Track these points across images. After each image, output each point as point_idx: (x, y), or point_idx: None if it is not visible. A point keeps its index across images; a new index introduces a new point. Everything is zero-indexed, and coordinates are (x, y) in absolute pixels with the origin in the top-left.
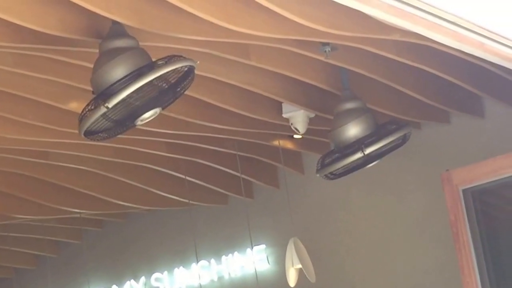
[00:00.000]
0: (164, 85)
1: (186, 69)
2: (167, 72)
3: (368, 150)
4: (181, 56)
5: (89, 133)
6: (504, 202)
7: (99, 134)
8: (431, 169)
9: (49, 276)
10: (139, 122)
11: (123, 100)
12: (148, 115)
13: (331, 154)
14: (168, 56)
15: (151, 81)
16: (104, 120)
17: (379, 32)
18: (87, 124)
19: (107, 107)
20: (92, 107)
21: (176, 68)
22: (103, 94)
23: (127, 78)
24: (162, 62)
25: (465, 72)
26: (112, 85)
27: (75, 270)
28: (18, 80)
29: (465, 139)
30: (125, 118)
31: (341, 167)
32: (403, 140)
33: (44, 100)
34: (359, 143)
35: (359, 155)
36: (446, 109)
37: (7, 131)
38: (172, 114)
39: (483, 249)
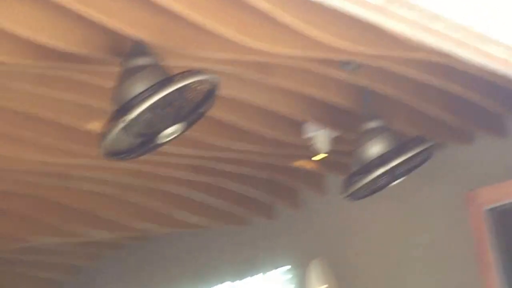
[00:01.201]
0: (184, 104)
1: (207, 88)
2: (188, 85)
3: (390, 165)
4: (201, 71)
5: (112, 154)
6: None
7: (122, 155)
8: (454, 190)
9: None
10: (161, 139)
11: (142, 114)
12: (170, 131)
13: (354, 174)
14: (188, 70)
15: (171, 98)
16: (123, 136)
17: (403, 51)
18: (107, 141)
19: (125, 121)
20: (111, 123)
21: (196, 80)
22: (121, 109)
23: (146, 91)
24: (181, 75)
25: (488, 92)
26: (130, 99)
27: None
28: (37, 100)
29: (489, 159)
30: (146, 135)
31: (365, 184)
32: (428, 156)
33: (64, 121)
34: (381, 159)
35: (381, 170)
36: (470, 128)
37: (26, 152)
38: (192, 135)
39: (507, 270)
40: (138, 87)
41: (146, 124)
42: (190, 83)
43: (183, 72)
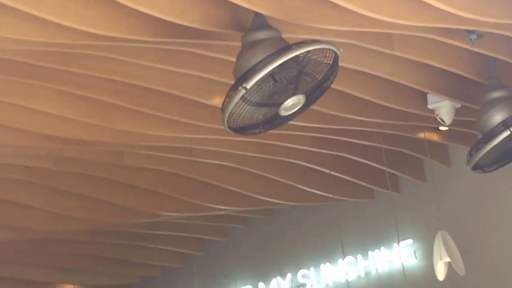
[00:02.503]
0: (308, 78)
1: (331, 61)
2: (308, 56)
3: None
4: (319, 40)
5: (238, 130)
6: None
7: (248, 130)
8: None
9: (195, 274)
10: (283, 111)
11: (261, 82)
12: (290, 102)
13: (478, 142)
14: (306, 40)
15: (290, 67)
16: (245, 109)
17: None
18: (229, 110)
19: (245, 88)
20: (231, 92)
21: (315, 49)
22: (241, 77)
23: (264, 59)
24: (298, 44)
25: None
26: (249, 68)
27: (221, 268)
28: (161, 76)
29: None
30: (268, 105)
31: (491, 152)
32: None
33: (188, 96)
34: (505, 123)
35: (505, 133)
36: None
37: (151, 128)
38: (315, 108)
39: None
40: (258, 57)
41: (267, 96)
42: (308, 51)
43: (301, 42)
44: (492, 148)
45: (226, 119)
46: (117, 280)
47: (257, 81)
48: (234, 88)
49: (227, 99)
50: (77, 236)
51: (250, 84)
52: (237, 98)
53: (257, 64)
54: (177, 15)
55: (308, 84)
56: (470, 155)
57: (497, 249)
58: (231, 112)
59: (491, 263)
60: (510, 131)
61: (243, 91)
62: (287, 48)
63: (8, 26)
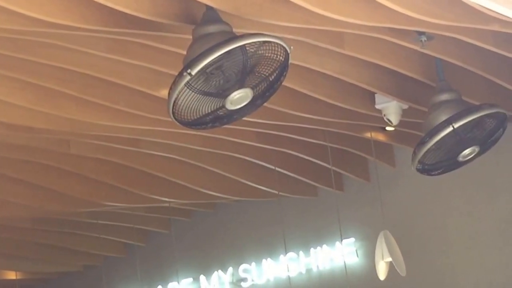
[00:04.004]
0: (257, 74)
1: (282, 59)
2: (259, 48)
3: (457, 124)
4: (267, 34)
5: (186, 124)
6: None
7: (198, 125)
8: None
9: (138, 264)
10: (229, 104)
11: (209, 71)
12: (237, 95)
13: (421, 139)
14: (255, 32)
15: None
16: (189, 91)
17: (477, 22)
18: (174, 96)
19: (190, 74)
20: (177, 79)
21: (262, 41)
22: (187, 64)
23: (212, 46)
24: (246, 35)
25: None
26: (196, 56)
27: (163, 260)
28: (111, 65)
29: None
30: (212, 94)
31: (434, 150)
32: (502, 129)
33: (136, 87)
34: (448, 120)
35: (448, 129)
36: None
37: (98, 118)
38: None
39: None
40: (206, 47)
41: (214, 87)
42: (255, 43)
43: (249, 33)
44: (436, 145)
45: (171, 106)
46: (60, 268)
47: (203, 68)
48: (180, 74)
49: (172, 86)
50: (21, 223)
51: (195, 70)
52: (182, 84)
53: (203, 52)
54: (128, 5)
55: (256, 79)
56: (414, 153)
57: (439, 251)
58: (176, 99)
59: (432, 264)
60: (453, 127)
61: (188, 77)
62: (234, 37)
63: None
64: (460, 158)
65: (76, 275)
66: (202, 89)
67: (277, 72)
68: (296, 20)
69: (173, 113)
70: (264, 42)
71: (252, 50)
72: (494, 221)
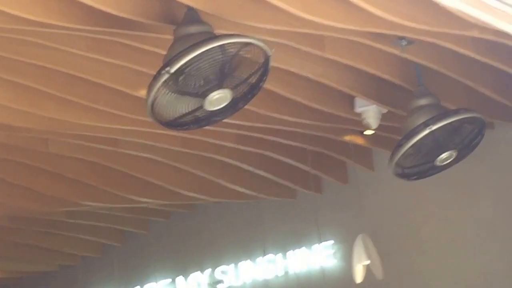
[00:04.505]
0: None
1: (262, 61)
2: (240, 50)
3: (435, 126)
4: (247, 35)
5: (165, 124)
6: None
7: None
8: (503, 171)
9: (115, 265)
10: (208, 105)
11: (186, 68)
12: (216, 95)
13: (399, 142)
14: (235, 33)
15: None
16: (168, 90)
17: (457, 28)
18: (152, 94)
19: (168, 72)
20: (155, 77)
21: (241, 42)
22: (166, 63)
23: (191, 45)
24: (226, 35)
25: None
26: (175, 55)
27: (141, 260)
28: (91, 64)
29: None
30: (192, 94)
31: (411, 153)
32: (480, 135)
33: (116, 86)
34: (425, 123)
35: (425, 132)
36: None
37: (78, 117)
38: None
39: None
40: (185, 47)
41: (193, 86)
42: (236, 44)
43: (230, 34)
44: (413, 148)
45: (150, 105)
46: (36, 267)
47: (182, 66)
48: (158, 72)
49: (151, 83)
50: None
51: (173, 69)
52: (160, 82)
53: (182, 50)
54: (110, 4)
55: (235, 80)
56: (392, 156)
57: (416, 255)
58: (154, 97)
59: (409, 268)
60: (430, 129)
61: (166, 75)
62: (214, 37)
63: None
64: (438, 163)
65: (52, 275)
66: (181, 88)
67: (257, 74)
68: (277, 22)
69: (152, 112)
70: (246, 44)
71: (233, 52)
72: (471, 227)
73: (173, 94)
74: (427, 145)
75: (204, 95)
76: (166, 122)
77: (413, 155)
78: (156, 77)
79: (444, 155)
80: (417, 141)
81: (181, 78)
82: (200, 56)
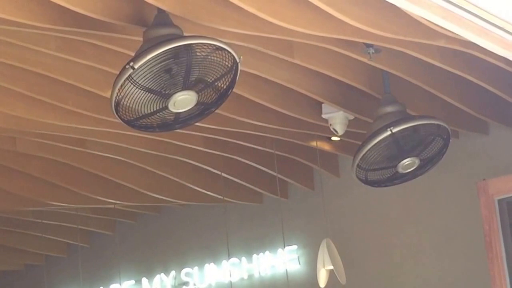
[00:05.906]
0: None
1: (229, 64)
2: (207, 56)
3: (396, 129)
4: (218, 39)
5: (130, 123)
6: None
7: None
8: (466, 179)
9: (80, 265)
10: (172, 106)
11: (152, 66)
12: (180, 95)
13: (360, 145)
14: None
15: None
16: (131, 86)
17: (424, 37)
18: (116, 89)
19: (132, 68)
20: (120, 73)
21: (207, 43)
22: (131, 59)
23: (157, 43)
24: (193, 36)
25: (506, 83)
26: (141, 52)
27: (106, 261)
28: (60, 64)
29: (503, 150)
30: (155, 93)
31: (373, 155)
32: (446, 145)
33: (84, 87)
34: (387, 125)
35: (386, 133)
36: (486, 119)
37: (46, 116)
38: None
39: None
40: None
41: (159, 87)
42: (203, 45)
43: (197, 35)
44: (375, 151)
45: (114, 101)
46: (1, 267)
47: (146, 62)
48: (123, 68)
49: (116, 79)
50: None
51: (138, 64)
52: (124, 77)
53: (148, 47)
54: (80, 4)
55: (202, 83)
56: (354, 158)
57: (380, 260)
58: (118, 93)
59: (372, 273)
60: (391, 130)
61: (130, 70)
62: (180, 37)
63: None
64: (400, 169)
65: (17, 274)
66: (145, 85)
67: (224, 78)
68: (246, 27)
69: (116, 109)
70: (215, 47)
71: (203, 54)
72: (435, 233)
73: (137, 90)
74: (390, 148)
75: (168, 94)
76: (129, 120)
77: (375, 157)
78: (120, 72)
79: (406, 161)
80: (378, 142)
81: (147, 75)
82: (166, 56)
